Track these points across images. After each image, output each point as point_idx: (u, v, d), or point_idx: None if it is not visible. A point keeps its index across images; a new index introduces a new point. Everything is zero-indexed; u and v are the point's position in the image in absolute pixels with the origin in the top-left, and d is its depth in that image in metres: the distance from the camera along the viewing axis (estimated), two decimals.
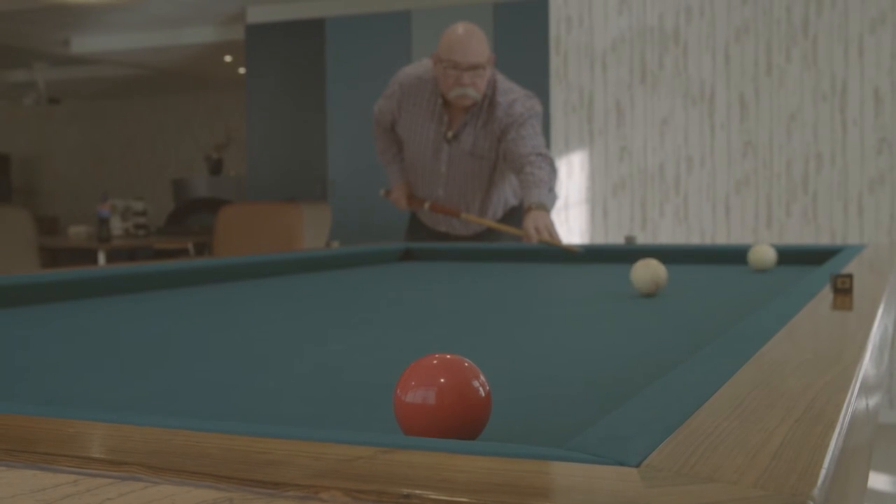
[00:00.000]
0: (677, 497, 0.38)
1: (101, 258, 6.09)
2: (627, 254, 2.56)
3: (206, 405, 0.76)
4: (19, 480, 0.45)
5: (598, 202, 4.82)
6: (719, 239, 4.65)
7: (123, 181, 11.73)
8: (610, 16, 4.78)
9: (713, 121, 4.64)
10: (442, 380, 0.57)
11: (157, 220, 9.55)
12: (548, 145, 4.54)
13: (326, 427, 0.66)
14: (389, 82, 3.35)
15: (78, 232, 7.04)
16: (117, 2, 5.94)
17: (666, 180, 4.72)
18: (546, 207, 2.93)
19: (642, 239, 4.73)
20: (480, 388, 0.57)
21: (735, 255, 2.39)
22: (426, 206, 3.31)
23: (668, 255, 2.48)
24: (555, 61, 4.88)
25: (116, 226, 6.89)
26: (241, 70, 8.99)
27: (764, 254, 2.10)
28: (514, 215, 3.34)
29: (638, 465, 0.42)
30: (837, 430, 0.48)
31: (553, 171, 3.07)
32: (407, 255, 2.78)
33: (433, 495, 0.38)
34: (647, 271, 1.55)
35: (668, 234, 4.73)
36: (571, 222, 4.86)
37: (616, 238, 4.78)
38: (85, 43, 8.67)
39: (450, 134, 3.20)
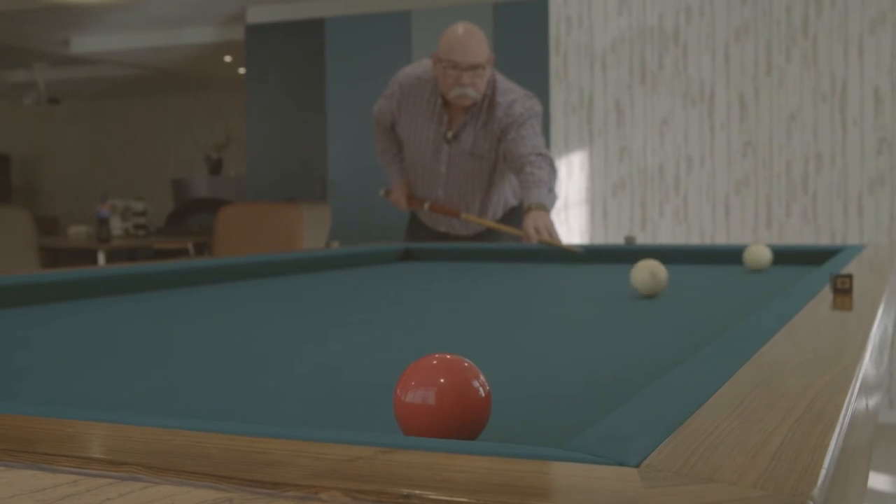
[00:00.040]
0: (677, 497, 0.38)
1: (101, 258, 6.09)
2: (627, 254, 2.56)
3: (206, 405, 0.76)
4: (19, 480, 0.45)
5: (598, 202, 4.82)
6: (719, 239, 4.65)
7: (123, 181, 11.73)
8: (610, 16, 4.78)
9: (713, 121, 4.64)
10: (442, 380, 0.57)
11: (156, 220, 9.55)
12: (548, 145, 4.54)
13: (326, 427, 0.66)
14: (389, 82, 3.35)
15: (78, 232, 7.04)
16: (117, 2, 5.94)
17: (666, 180, 4.72)
18: (546, 207, 2.93)
19: (642, 239, 4.73)
20: (480, 389, 0.57)
21: (735, 256, 2.39)
22: (426, 206, 3.31)
23: (668, 255, 2.48)
24: (555, 61, 4.88)
25: (116, 226, 6.89)
26: (241, 70, 8.99)
27: (759, 254, 2.10)
28: (514, 215, 3.34)
29: (638, 466, 0.42)
30: (837, 430, 0.48)
31: (553, 172, 3.07)
32: (407, 255, 2.78)
33: (433, 495, 0.38)
34: (648, 273, 1.55)
35: (668, 234, 4.73)
36: (571, 222, 4.86)
37: (616, 238, 4.78)
38: (85, 43, 8.67)
39: (450, 134, 3.20)
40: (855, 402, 0.58)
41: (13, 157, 12.01)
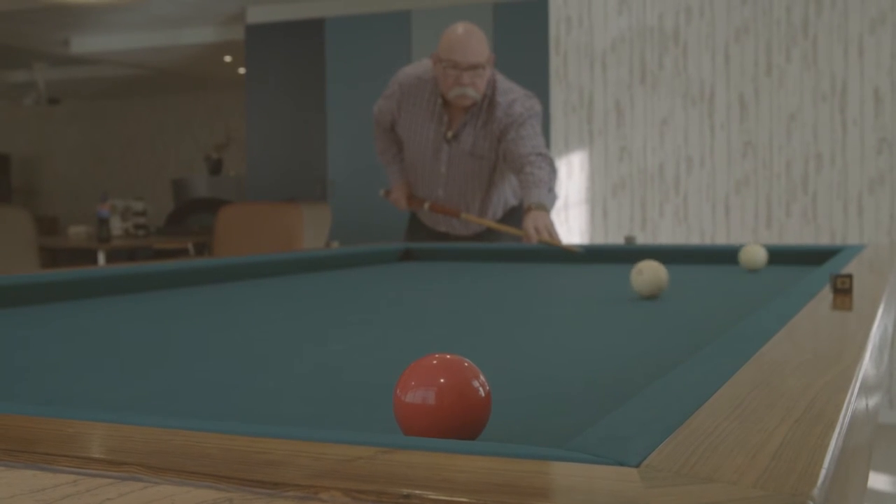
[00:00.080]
0: (677, 497, 0.38)
1: (101, 258, 6.09)
2: (627, 254, 2.56)
3: (206, 405, 0.76)
4: (19, 480, 0.45)
5: (598, 202, 4.82)
6: (719, 239, 4.65)
7: (123, 181, 11.73)
8: (610, 16, 4.78)
9: (713, 121, 4.64)
10: (442, 380, 0.57)
11: (156, 220, 9.55)
12: (548, 145, 4.54)
13: (326, 427, 0.66)
14: (389, 82, 3.35)
15: (78, 232, 7.04)
16: (117, 2, 5.94)
17: (666, 180, 4.72)
18: (546, 207, 2.93)
19: (642, 239, 4.73)
20: (480, 388, 0.57)
21: (735, 256, 2.39)
22: (426, 206, 3.31)
23: (668, 255, 2.48)
24: (555, 61, 4.88)
25: (116, 226, 6.89)
26: (241, 70, 9.00)
27: (755, 254, 2.10)
28: (514, 215, 3.34)
29: (638, 466, 0.42)
30: (837, 430, 0.48)
31: (553, 171, 3.07)
32: (407, 255, 2.78)
33: (433, 495, 0.38)
34: (648, 275, 1.54)
35: (668, 234, 4.73)
36: (571, 222, 4.86)
37: (616, 238, 4.78)
38: (85, 43, 8.67)
39: (449, 134, 3.20)
40: (855, 402, 0.58)
41: (13, 157, 12.01)
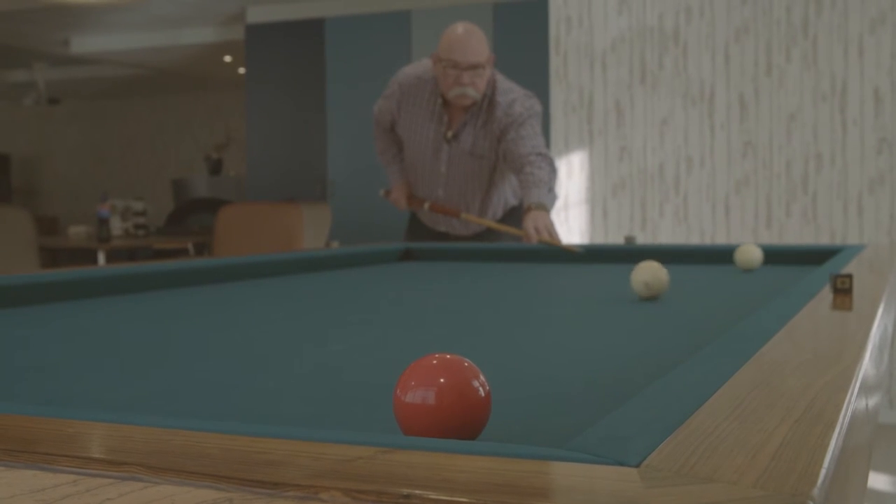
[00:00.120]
0: (677, 497, 0.38)
1: (101, 258, 6.09)
2: (627, 254, 2.56)
3: (206, 405, 0.76)
4: (19, 480, 0.45)
5: (598, 202, 4.82)
6: (719, 239, 4.65)
7: (123, 181, 11.73)
8: (610, 16, 4.78)
9: (713, 121, 4.64)
10: (442, 380, 0.57)
11: (156, 220, 9.55)
12: (548, 145, 4.54)
13: (326, 427, 0.66)
14: (389, 82, 3.35)
15: (78, 232, 7.04)
16: (117, 2, 5.94)
17: (666, 180, 4.72)
18: (546, 207, 2.93)
19: (642, 239, 4.73)
20: (480, 388, 0.57)
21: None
22: (426, 206, 3.31)
23: (668, 255, 2.48)
24: (555, 61, 4.88)
25: (116, 226, 6.89)
26: (241, 70, 9.00)
27: (750, 254, 2.10)
28: (514, 215, 3.34)
29: (638, 465, 0.42)
30: (837, 430, 0.48)
31: (553, 171, 3.07)
32: (407, 255, 2.78)
33: (433, 495, 0.38)
34: (648, 276, 1.52)
35: (668, 234, 4.73)
36: (571, 222, 4.86)
37: (616, 238, 4.78)
38: (85, 43, 8.67)
39: (449, 134, 3.20)
40: (855, 402, 0.58)
41: (13, 157, 12.01)
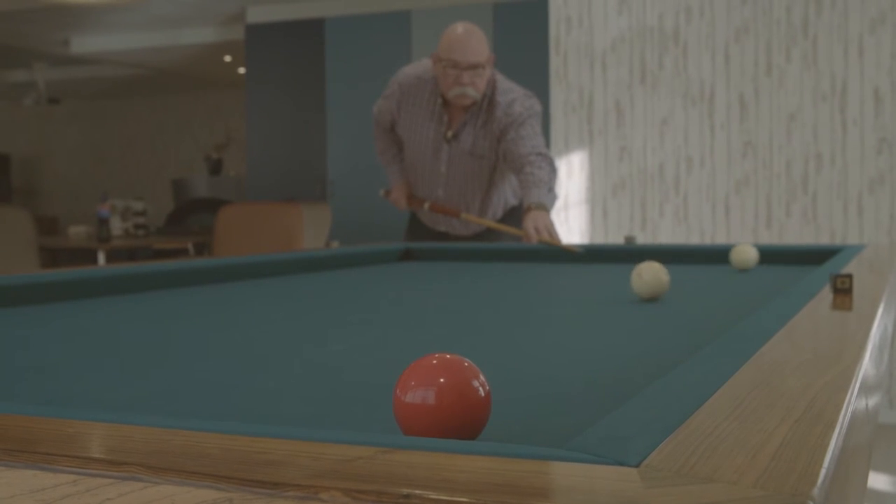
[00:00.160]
0: (677, 497, 0.38)
1: (101, 258, 6.09)
2: (627, 254, 2.56)
3: (206, 405, 0.76)
4: (19, 480, 0.45)
5: (598, 202, 4.83)
6: (719, 239, 4.65)
7: (123, 181, 11.73)
8: (610, 16, 4.78)
9: (713, 121, 4.64)
10: (442, 380, 0.57)
11: (156, 220, 9.55)
12: (548, 145, 4.54)
13: (326, 427, 0.66)
14: (389, 82, 3.36)
15: (78, 232, 7.04)
16: (117, 2, 5.94)
17: (666, 180, 4.72)
18: (546, 207, 2.93)
19: (642, 239, 4.73)
20: (480, 388, 0.57)
21: None
22: (426, 206, 3.31)
23: (668, 255, 2.48)
24: (555, 61, 4.88)
25: (116, 226, 6.89)
26: (241, 70, 9.00)
27: (745, 254, 2.10)
28: (514, 215, 3.34)
29: (638, 465, 0.42)
30: (837, 430, 0.48)
31: (553, 171, 3.07)
32: (407, 255, 2.78)
33: (433, 495, 0.38)
34: (649, 277, 1.50)
35: (668, 234, 4.73)
36: (571, 222, 4.86)
37: (616, 238, 4.78)
38: (85, 43, 8.67)
39: (449, 134, 3.20)
40: (855, 402, 0.58)
41: (13, 157, 12.01)
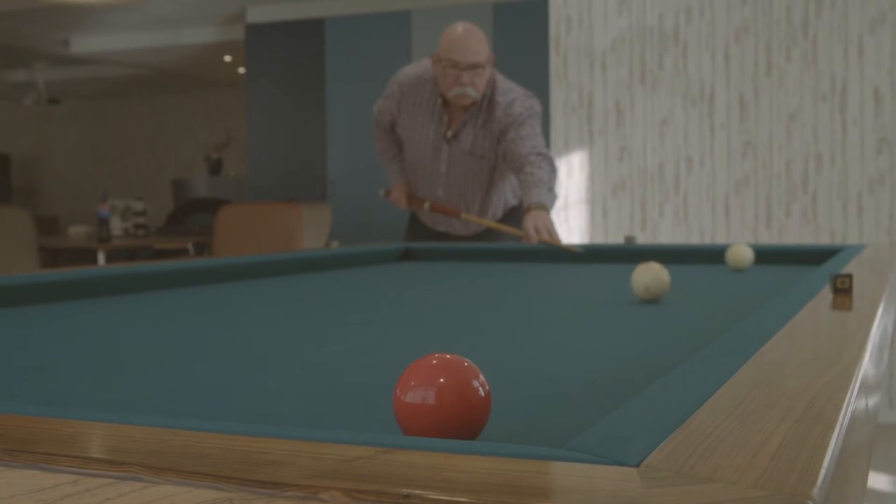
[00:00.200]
0: (677, 497, 0.38)
1: (101, 258, 6.09)
2: (627, 254, 2.56)
3: (206, 405, 0.76)
4: (19, 480, 0.45)
5: (598, 202, 4.83)
6: (719, 239, 4.65)
7: (123, 181, 11.73)
8: (610, 16, 4.78)
9: (713, 121, 4.64)
10: (441, 380, 0.57)
11: (156, 220, 9.55)
12: (548, 145, 4.54)
13: (326, 427, 0.66)
14: (389, 82, 3.36)
15: (78, 232, 7.04)
16: (117, 2, 5.94)
17: (666, 180, 4.72)
18: (546, 207, 2.93)
19: (642, 239, 4.73)
20: (480, 388, 0.57)
21: None
22: (426, 206, 3.31)
23: (668, 255, 2.48)
24: (555, 61, 4.88)
25: (116, 226, 6.89)
26: (241, 70, 9.00)
27: (740, 254, 2.10)
28: (514, 215, 3.34)
29: (638, 465, 0.42)
30: (837, 430, 0.48)
31: (553, 171, 3.07)
32: (407, 255, 2.78)
33: (433, 495, 0.38)
34: (649, 278, 1.47)
35: (668, 234, 4.73)
36: (571, 222, 4.86)
37: (616, 238, 4.78)
38: (85, 43, 8.67)
39: (449, 134, 3.20)
40: (855, 402, 0.58)
41: (13, 157, 12.01)
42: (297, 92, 6.61)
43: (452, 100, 3.11)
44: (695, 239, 4.69)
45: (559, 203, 4.82)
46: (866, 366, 0.73)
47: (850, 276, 1.17)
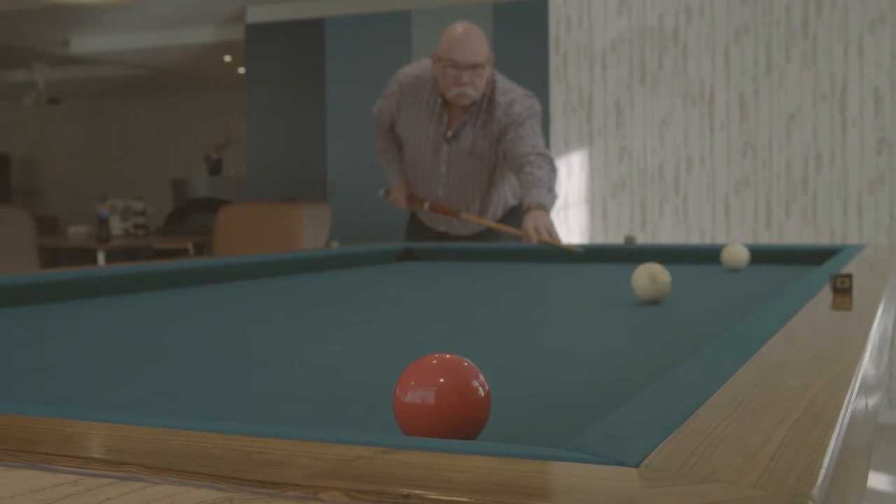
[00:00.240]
0: (677, 497, 0.38)
1: (101, 258, 6.09)
2: (627, 254, 2.56)
3: (206, 405, 0.76)
4: (19, 480, 0.45)
5: (598, 202, 4.83)
6: (719, 239, 4.65)
7: (123, 181, 11.73)
8: (609, 16, 4.78)
9: (713, 121, 4.64)
10: (441, 380, 0.57)
11: (156, 220, 9.55)
12: (547, 145, 4.54)
13: (326, 427, 0.66)
14: (389, 82, 3.36)
15: (78, 232, 7.04)
16: (117, 2, 5.94)
17: (665, 180, 4.72)
18: (545, 207, 2.93)
19: (642, 239, 4.73)
20: (480, 388, 0.57)
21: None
22: (426, 206, 3.31)
23: (668, 255, 2.48)
24: (554, 61, 4.88)
25: (116, 226, 6.89)
26: (241, 70, 8.99)
27: (736, 254, 2.10)
28: (514, 215, 3.34)
29: (637, 466, 0.42)
30: (837, 430, 0.48)
31: (552, 171, 3.07)
32: (406, 255, 2.78)
33: (433, 495, 0.38)
34: (650, 280, 1.46)
35: (668, 234, 4.73)
36: (571, 222, 4.86)
37: (616, 238, 4.78)
38: (85, 43, 8.67)
39: (449, 133, 3.20)
40: (855, 402, 0.58)
41: (13, 157, 12.01)
42: (297, 92, 6.61)
43: (452, 100, 3.11)
44: (695, 239, 4.69)
45: (559, 203, 4.82)
46: (866, 366, 0.73)
47: (850, 276, 1.17)
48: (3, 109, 12.07)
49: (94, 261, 6.17)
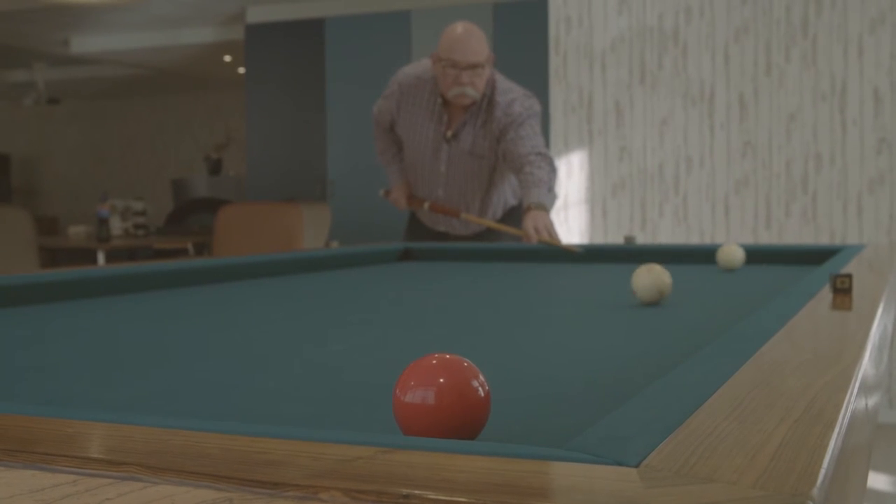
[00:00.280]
0: (677, 497, 0.38)
1: (101, 258, 6.09)
2: (627, 254, 2.56)
3: (205, 405, 0.76)
4: (18, 480, 0.45)
5: (598, 202, 4.82)
6: (719, 239, 4.65)
7: (123, 181, 11.73)
8: (609, 16, 4.78)
9: (713, 121, 4.64)
10: (441, 380, 0.57)
11: (156, 220, 9.55)
12: (547, 145, 4.54)
13: (326, 427, 0.66)
14: (389, 82, 3.36)
15: (77, 232, 7.04)
16: (117, 2, 5.94)
17: (665, 180, 4.72)
18: (545, 207, 2.93)
19: (642, 239, 4.73)
20: (480, 388, 0.57)
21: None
22: (426, 206, 3.31)
23: (668, 255, 2.48)
24: (554, 61, 4.88)
25: (116, 226, 6.89)
26: (241, 70, 8.99)
27: (731, 254, 2.10)
28: (514, 215, 3.34)
29: (637, 466, 0.42)
30: (837, 430, 0.48)
31: (552, 171, 3.07)
32: (406, 255, 2.78)
33: (433, 495, 0.38)
34: (651, 281, 1.44)
35: (668, 234, 4.73)
36: (571, 222, 4.86)
37: (615, 238, 4.78)
38: (85, 43, 8.67)
39: (449, 133, 3.20)
40: (854, 402, 0.58)
41: (13, 157, 12.01)
42: (297, 92, 6.61)
43: (452, 100, 3.11)
44: (695, 239, 4.69)
45: (559, 203, 4.82)
46: (866, 366, 0.73)
47: (849, 276, 1.17)
48: (3, 109, 12.07)
49: (94, 261, 6.17)
